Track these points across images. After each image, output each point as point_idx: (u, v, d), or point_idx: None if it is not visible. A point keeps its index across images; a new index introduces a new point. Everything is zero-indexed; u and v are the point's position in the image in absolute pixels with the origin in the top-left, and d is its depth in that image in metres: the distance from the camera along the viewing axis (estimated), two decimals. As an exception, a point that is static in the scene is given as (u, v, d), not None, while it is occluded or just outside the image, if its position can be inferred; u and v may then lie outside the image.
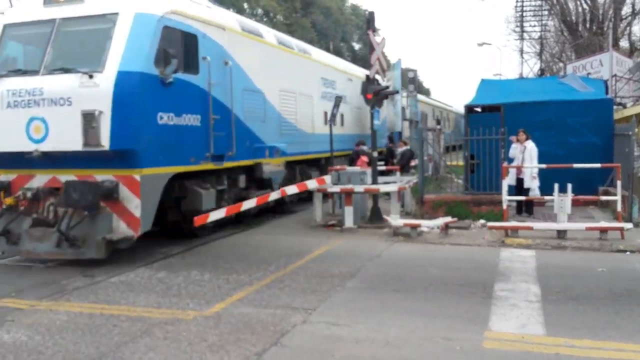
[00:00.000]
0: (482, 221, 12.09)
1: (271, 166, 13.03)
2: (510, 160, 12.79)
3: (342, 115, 18.39)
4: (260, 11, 46.33)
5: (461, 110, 46.13)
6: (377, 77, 13.54)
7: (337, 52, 47.83)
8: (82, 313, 6.57)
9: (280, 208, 14.78)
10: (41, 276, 8.34)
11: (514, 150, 12.75)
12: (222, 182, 11.30)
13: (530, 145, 12.48)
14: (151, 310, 6.63)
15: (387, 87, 15.15)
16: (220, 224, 11.74)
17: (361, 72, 21.15)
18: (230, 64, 11.21)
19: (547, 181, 11.83)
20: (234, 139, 11.19)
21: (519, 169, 12.56)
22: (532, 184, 12.38)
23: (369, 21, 13.35)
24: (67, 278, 8.23)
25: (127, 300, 7.09)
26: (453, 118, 48.58)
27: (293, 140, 14.43)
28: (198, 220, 9.86)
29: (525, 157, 12.47)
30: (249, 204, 11.16)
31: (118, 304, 6.93)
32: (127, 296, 7.26)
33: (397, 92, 19.13)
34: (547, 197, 11.70)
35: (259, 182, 12.84)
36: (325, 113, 16.85)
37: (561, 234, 10.51)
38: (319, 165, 16.79)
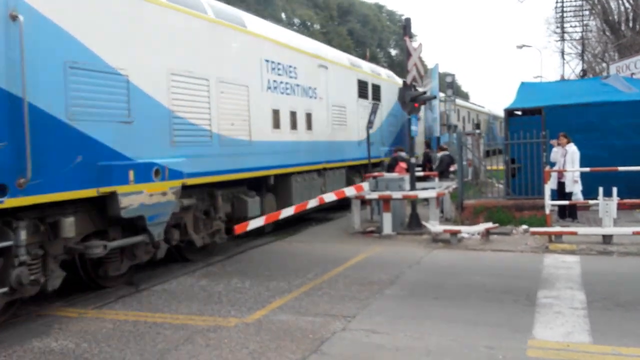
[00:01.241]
0: (524, 227, 11.89)
1: (144, 196, 7.82)
2: (552, 164, 12.55)
3: (308, 116, 13.45)
4: (297, 20, 46.69)
5: (494, 111, 43.72)
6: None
7: (374, 59, 47.74)
8: (127, 321, 6.73)
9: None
10: (87, 285, 8.55)
11: (555, 154, 12.52)
12: (5, 235, 6.37)
13: (572, 149, 12.22)
14: (193, 318, 6.75)
15: (425, 93, 15.03)
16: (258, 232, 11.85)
17: (346, 59, 16.82)
18: (22, 19, 6.34)
19: (591, 185, 11.55)
20: (29, 152, 6.28)
21: (561, 173, 12.31)
22: (574, 188, 12.11)
23: (405, 27, 13.32)
24: (112, 286, 8.43)
25: (170, 308, 7.23)
26: (484, 120, 44.16)
27: (204, 153, 9.42)
28: (238, 229, 9.97)
29: (567, 160, 12.22)
30: (287, 212, 11.21)
31: (161, 311, 7.07)
32: (170, 304, 7.40)
33: (434, 97, 18.93)
34: (591, 201, 11.43)
35: (123, 223, 7.93)
36: (276, 112, 11.96)
37: (607, 239, 10.24)
38: (268, 186, 11.84)
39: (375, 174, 14.52)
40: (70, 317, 6.95)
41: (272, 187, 11.94)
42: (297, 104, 13.05)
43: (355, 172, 16.57)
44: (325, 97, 14.48)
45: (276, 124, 12.00)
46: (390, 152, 18.71)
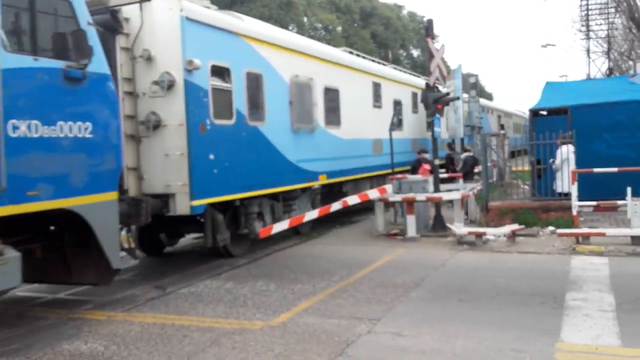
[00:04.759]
0: (551, 228, 11.75)
1: None
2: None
3: None
4: (319, 25, 46.81)
5: (484, 101, 39.24)
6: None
7: (397, 60, 47.61)
8: (154, 324, 6.82)
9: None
10: (116, 288, 8.69)
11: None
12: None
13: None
14: (219, 321, 6.81)
15: (448, 94, 14.94)
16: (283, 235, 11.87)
17: None
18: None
19: (619, 185, 11.37)
20: None
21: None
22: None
23: (427, 29, 13.26)
24: (140, 290, 8.56)
25: (196, 311, 7.31)
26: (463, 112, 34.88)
27: None
28: (263, 233, 10.05)
29: None
30: (311, 215, 11.25)
31: (188, 314, 7.15)
32: (196, 307, 7.48)
33: (457, 98, 18.80)
34: (619, 202, 11.25)
35: None
36: None
37: (636, 240, 10.07)
38: None
39: (399, 175, 14.36)
40: (99, 320, 7.07)
41: None
42: None
43: None
44: None
45: None
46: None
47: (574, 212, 11.18)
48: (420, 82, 21.03)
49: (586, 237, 10.44)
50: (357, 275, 8.87)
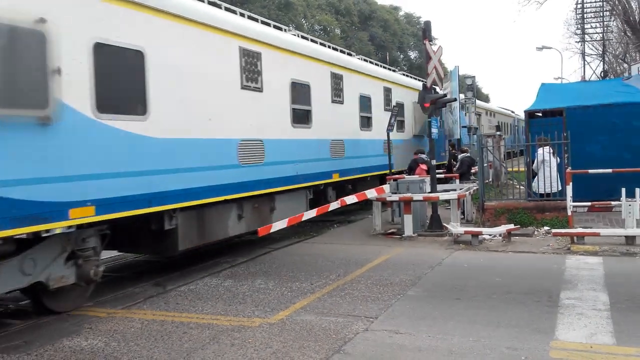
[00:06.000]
0: (546, 228, 11.86)
1: None
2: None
3: None
4: (317, 27, 46.86)
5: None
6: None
7: (394, 63, 47.66)
8: (154, 320, 6.88)
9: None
10: (116, 286, 8.74)
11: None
12: None
13: None
14: (219, 318, 6.88)
15: (445, 95, 15.02)
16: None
17: None
18: None
19: (614, 186, 11.49)
20: None
21: None
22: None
23: (424, 31, 13.32)
24: (140, 287, 8.61)
25: (195, 308, 7.37)
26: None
27: None
28: (262, 231, 10.11)
29: None
30: (309, 214, 11.31)
31: (187, 311, 7.22)
32: (196, 304, 7.54)
33: (455, 99, 18.85)
34: (614, 202, 11.36)
35: None
36: None
37: (630, 240, 10.17)
38: None
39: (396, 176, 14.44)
40: (99, 317, 7.13)
41: None
42: None
43: None
44: None
45: None
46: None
47: (569, 213, 11.29)
48: (350, 59, 15.59)
49: (581, 237, 10.53)
50: (354, 273, 8.95)
